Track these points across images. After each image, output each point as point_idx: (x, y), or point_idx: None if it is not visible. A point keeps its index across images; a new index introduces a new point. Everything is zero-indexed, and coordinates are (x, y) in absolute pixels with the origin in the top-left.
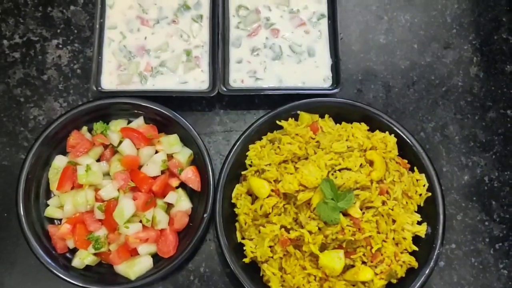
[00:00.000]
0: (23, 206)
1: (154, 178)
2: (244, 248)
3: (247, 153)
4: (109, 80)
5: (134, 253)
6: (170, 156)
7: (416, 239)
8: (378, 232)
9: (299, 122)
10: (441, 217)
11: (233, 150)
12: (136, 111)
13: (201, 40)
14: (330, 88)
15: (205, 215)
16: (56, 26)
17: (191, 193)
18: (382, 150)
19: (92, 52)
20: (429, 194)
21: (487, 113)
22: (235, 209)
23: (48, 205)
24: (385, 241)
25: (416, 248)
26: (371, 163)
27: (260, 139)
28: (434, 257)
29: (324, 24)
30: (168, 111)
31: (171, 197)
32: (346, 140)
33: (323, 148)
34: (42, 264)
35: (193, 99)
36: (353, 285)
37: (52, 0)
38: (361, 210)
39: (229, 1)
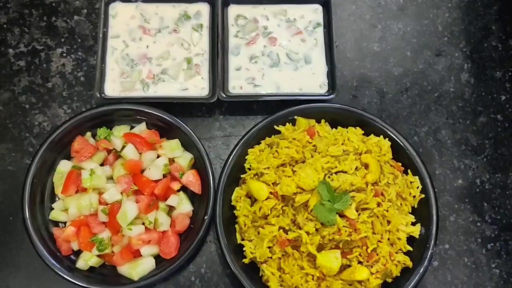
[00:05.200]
0: (28, 209)
1: (156, 181)
2: (244, 249)
3: (246, 157)
4: (112, 87)
5: (137, 254)
6: (171, 160)
7: (410, 240)
8: (374, 233)
9: (296, 127)
10: (434, 218)
11: (233, 154)
12: (138, 117)
13: (201, 49)
14: (326, 94)
15: (205, 217)
16: (60, 36)
17: (192, 196)
18: (377, 154)
19: (96, 60)
20: (423, 196)
21: (478, 118)
22: (235, 211)
23: (53, 209)
24: (380, 242)
25: (410, 248)
26: (366, 166)
27: (259, 143)
28: (428, 256)
29: (320, 32)
30: (169, 117)
31: (172, 200)
32: (342, 144)
33: (319, 152)
34: (47, 266)
35: (193, 105)
36: (350, 284)
37: (56, 10)
38: (357, 211)
39: (228, 11)
